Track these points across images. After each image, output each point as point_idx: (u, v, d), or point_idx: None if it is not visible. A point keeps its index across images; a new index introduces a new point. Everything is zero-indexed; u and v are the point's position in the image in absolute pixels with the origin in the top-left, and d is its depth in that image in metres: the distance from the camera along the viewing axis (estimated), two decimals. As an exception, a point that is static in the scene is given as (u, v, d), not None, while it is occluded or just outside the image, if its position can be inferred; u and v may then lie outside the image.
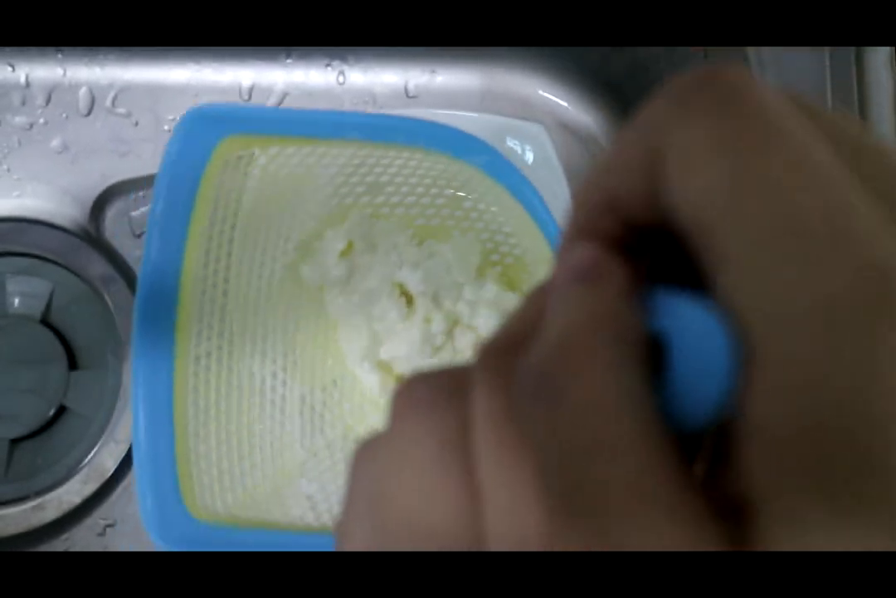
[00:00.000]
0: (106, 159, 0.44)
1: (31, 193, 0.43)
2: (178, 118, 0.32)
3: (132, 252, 0.43)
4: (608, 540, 0.10)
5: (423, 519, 0.12)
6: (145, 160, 0.44)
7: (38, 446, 0.42)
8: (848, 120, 0.12)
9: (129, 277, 0.43)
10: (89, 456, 0.41)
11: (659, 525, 0.10)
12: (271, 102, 0.46)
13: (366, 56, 0.46)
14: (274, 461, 0.37)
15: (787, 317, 0.10)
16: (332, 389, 0.40)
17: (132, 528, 0.41)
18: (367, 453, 0.13)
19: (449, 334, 0.39)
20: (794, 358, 0.10)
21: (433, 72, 0.46)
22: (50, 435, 0.42)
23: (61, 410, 0.42)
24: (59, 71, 0.44)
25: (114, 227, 0.43)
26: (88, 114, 0.44)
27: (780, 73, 0.37)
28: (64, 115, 0.44)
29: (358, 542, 0.13)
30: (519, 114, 0.46)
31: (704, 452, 0.12)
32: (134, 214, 0.43)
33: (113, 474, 0.41)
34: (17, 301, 0.42)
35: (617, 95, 0.47)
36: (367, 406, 0.40)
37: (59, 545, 0.41)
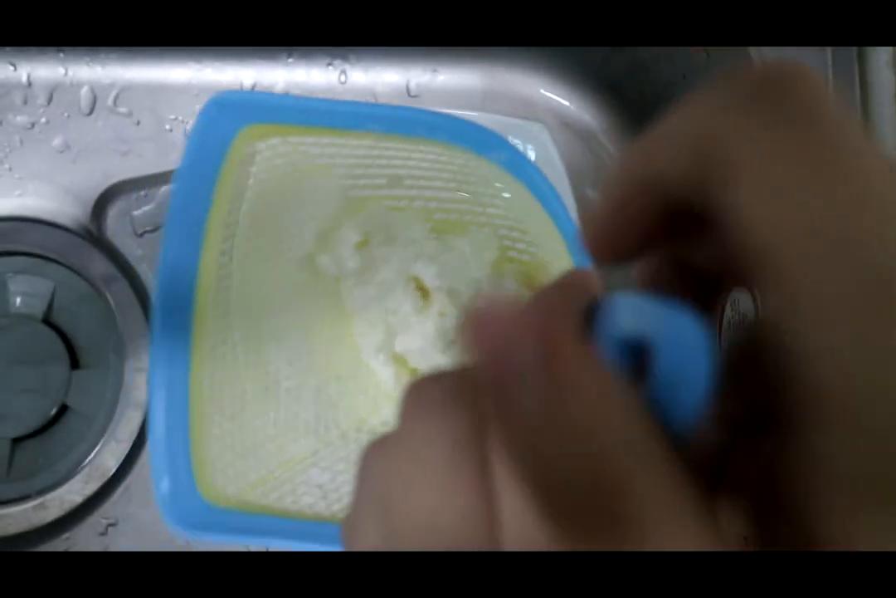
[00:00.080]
0: (107, 159, 0.44)
1: (33, 193, 0.43)
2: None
3: (134, 251, 0.43)
4: (625, 541, 0.10)
5: (435, 519, 0.12)
6: (147, 160, 0.44)
7: (39, 446, 0.42)
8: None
9: (130, 277, 0.43)
10: (91, 455, 0.41)
11: (685, 526, 0.10)
12: (272, 101, 0.46)
13: (367, 55, 0.46)
14: (287, 449, 0.37)
15: (872, 388, 0.10)
16: (347, 380, 0.40)
17: (134, 527, 0.41)
18: (378, 451, 0.13)
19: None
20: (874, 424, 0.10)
21: (435, 71, 0.46)
22: (51, 434, 0.42)
23: (63, 409, 0.42)
24: (60, 70, 0.44)
25: (115, 226, 0.43)
26: (90, 113, 0.44)
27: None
28: (65, 114, 0.44)
29: (369, 541, 0.13)
30: (520, 113, 0.46)
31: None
32: (136, 213, 0.43)
33: (114, 474, 0.41)
34: (18, 300, 0.42)
35: (618, 95, 0.47)
36: (381, 399, 0.40)
37: (61, 544, 0.41)
